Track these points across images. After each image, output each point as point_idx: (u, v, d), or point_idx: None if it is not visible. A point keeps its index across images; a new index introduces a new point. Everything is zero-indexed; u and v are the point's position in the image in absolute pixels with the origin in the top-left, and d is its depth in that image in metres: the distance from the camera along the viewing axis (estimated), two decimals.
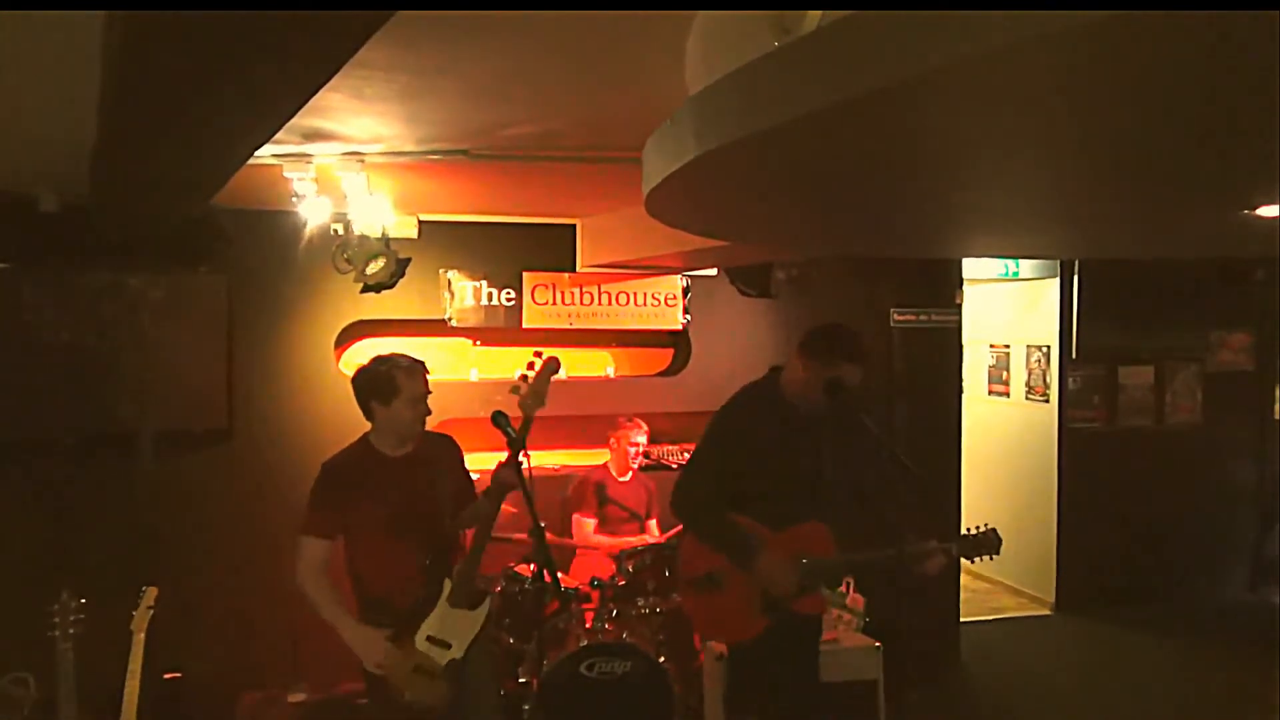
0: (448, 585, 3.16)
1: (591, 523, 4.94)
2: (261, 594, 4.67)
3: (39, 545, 4.42)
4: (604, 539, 4.88)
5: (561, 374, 5.56)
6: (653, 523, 5.03)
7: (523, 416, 3.20)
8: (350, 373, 5.06)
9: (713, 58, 1.98)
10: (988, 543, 3.24)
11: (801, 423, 3.25)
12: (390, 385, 3.14)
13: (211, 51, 1.71)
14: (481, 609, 3.23)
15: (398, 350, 3.32)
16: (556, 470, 5.31)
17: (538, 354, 3.30)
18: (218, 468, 4.81)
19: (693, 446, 3.55)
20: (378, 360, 3.24)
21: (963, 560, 3.30)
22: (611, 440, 5.06)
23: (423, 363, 3.25)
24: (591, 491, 4.98)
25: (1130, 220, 3.16)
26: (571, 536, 4.98)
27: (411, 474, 3.20)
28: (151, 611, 3.58)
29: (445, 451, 3.33)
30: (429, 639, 3.13)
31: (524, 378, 3.24)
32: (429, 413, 3.24)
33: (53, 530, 4.46)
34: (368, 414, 3.21)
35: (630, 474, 5.04)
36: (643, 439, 5.02)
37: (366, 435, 3.26)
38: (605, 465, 5.09)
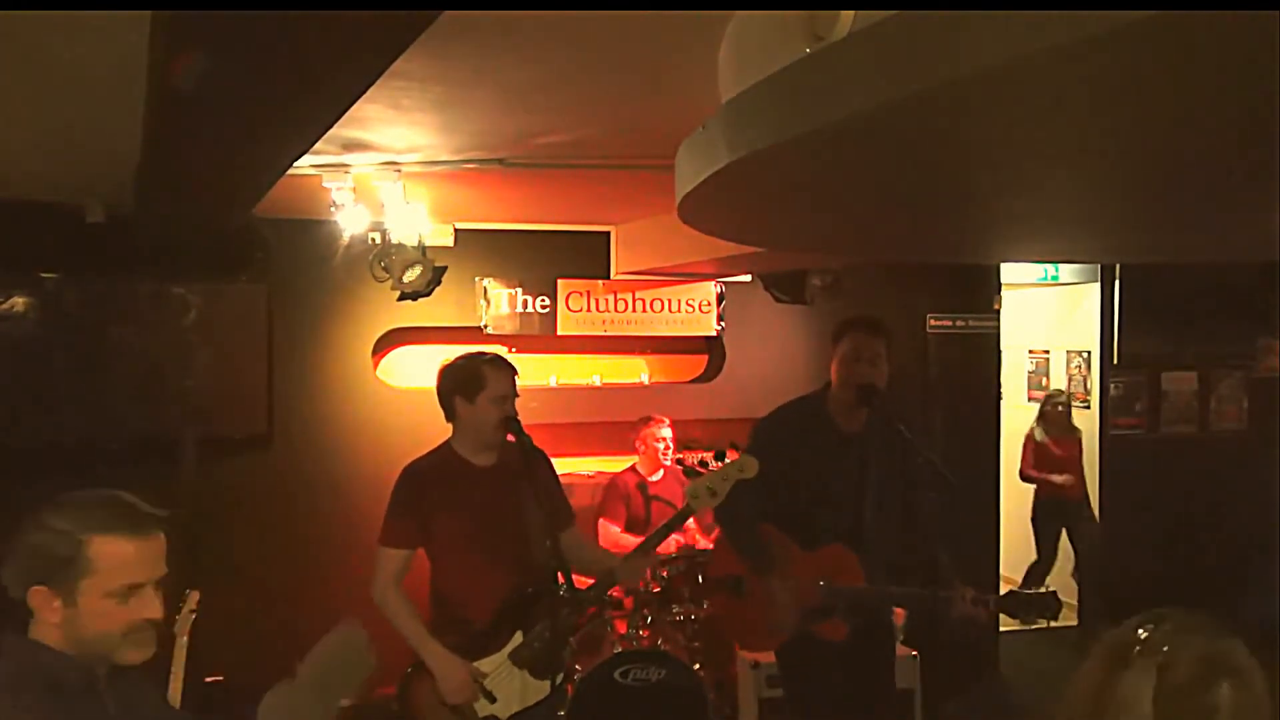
0: (519, 637, 2.89)
1: (616, 528, 4.88)
2: (302, 597, 4.71)
3: None
4: (630, 538, 4.78)
5: (595, 380, 5.68)
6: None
7: (684, 506, 2.97)
8: (387, 380, 5.21)
9: (745, 64, 1.98)
10: (1043, 605, 2.92)
11: (841, 441, 3.18)
12: (476, 380, 2.89)
13: (254, 63, 1.74)
14: (544, 684, 2.89)
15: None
16: (591, 476, 5.31)
17: (734, 448, 3.00)
18: (258, 473, 4.87)
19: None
20: (464, 355, 3.01)
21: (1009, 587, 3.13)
22: (637, 442, 4.97)
23: (510, 363, 3.02)
24: (618, 496, 4.92)
25: (1174, 224, 3.11)
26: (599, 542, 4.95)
27: (498, 486, 2.95)
28: (194, 615, 3.61)
29: (536, 466, 2.95)
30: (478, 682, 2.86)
31: (705, 464, 2.97)
32: (514, 416, 2.92)
33: None
34: (450, 413, 2.96)
35: (662, 471, 4.96)
36: (669, 433, 4.92)
37: (449, 441, 3.02)
38: (633, 468, 5.02)
